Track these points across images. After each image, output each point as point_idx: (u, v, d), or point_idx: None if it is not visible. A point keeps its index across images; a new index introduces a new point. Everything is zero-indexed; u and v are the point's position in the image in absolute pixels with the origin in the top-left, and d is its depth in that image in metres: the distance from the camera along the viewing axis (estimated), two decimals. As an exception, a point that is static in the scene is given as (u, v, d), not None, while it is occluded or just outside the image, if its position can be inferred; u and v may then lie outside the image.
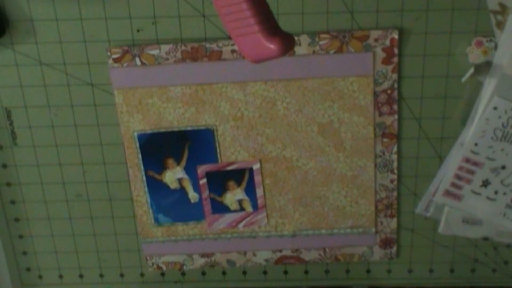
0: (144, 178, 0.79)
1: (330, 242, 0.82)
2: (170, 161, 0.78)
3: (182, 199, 0.80)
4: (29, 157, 0.79)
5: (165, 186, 0.79)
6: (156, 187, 0.79)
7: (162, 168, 0.78)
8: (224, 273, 0.86)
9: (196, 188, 0.79)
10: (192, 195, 0.80)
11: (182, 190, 0.79)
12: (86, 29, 0.72)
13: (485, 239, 0.81)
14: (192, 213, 0.81)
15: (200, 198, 0.80)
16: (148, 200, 0.80)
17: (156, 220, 0.81)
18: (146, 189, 0.79)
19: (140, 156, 0.78)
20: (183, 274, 0.86)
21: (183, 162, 0.78)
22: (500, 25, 0.70)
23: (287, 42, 0.49)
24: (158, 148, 0.77)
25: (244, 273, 0.86)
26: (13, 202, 0.81)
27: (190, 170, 0.78)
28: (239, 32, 0.49)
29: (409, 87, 0.75)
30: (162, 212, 0.81)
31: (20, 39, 0.73)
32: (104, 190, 0.81)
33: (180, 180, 0.79)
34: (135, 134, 0.77)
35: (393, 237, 0.82)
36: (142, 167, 0.78)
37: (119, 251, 0.84)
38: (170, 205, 0.80)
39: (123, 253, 0.84)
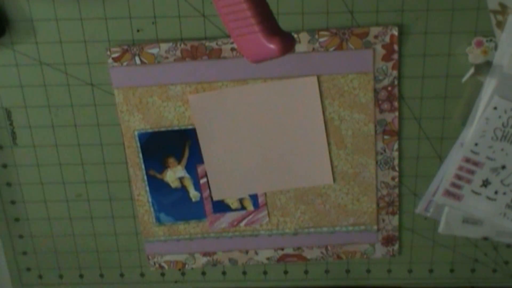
0: (145, 177, 0.79)
1: (332, 240, 0.82)
2: (171, 160, 0.78)
3: (183, 198, 0.80)
4: (29, 157, 0.79)
5: (166, 185, 0.79)
6: (157, 186, 0.79)
7: (163, 167, 0.78)
8: (224, 273, 0.86)
9: (197, 187, 0.79)
10: (193, 194, 0.80)
11: (183, 189, 0.79)
12: (86, 29, 0.72)
13: (485, 239, 0.81)
14: (193, 212, 0.81)
15: (201, 197, 0.80)
16: (149, 199, 0.80)
17: (158, 219, 0.81)
18: (147, 188, 0.79)
19: (140, 155, 0.78)
20: (183, 274, 0.86)
21: (184, 161, 0.78)
22: (500, 25, 0.70)
23: (287, 42, 0.49)
24: (158, 147, 0.77)
25: (244, 273, 0.86)
26: (13, 202, 0.81)
27: (191, 169, 0.78)
28: (239, 32, 0.49)
29: (409, 87, 0.75)
30: (164, 211, 0.81)
31: (20, 39, 0.73)
32: (104, 190, 0.81)
33: (181, 179, 0.79)
34: (136, 133, 0.77)
35: (395, 234, 0.82)
36: (143, 166, 0.78)
37: (119, 251, 0.84)
38: (171, 204, 0.80)
39: (123, 253, 0.84)
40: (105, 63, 0.74)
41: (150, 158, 0.78)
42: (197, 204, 0.80)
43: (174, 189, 0.79)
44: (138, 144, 0.77)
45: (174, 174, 0.78)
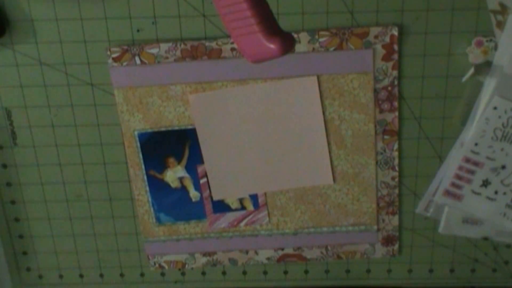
0: (145, 177, 0.79)
1: (331, 240, 0.82)
2: (171, 160, 0.78)
3: (183, 198, 0.80)
4: (29, 157, 0.79)
5: (166, 185, 0.79)
6: (157, 186, 0.79)
7: (163, 167, 0.78)
8: (224, 273, 0.86)
9: (197, 187, 0.79)
10: (193, 194, 0.80)
11: (183, 189, 0.79)
12: (86, 29, 0.72)
13: (485, 239, 0.81)
14: (193, 212, 0.81)
15: (201, 197, 0.80)
16: (149, 199, 0.80)
17: (158, 219, 0.81)
18: (147, 188, 0.79)
19: (140, 155, 0.78)
20: (183, 274, 0.86)
21: (184, 161, 0.78)
22: (500, 25, 0.70)
23: (287, 42, 0.49)
24: (158, 147, 0.77)
25: (244, 273, 0.86)
26: (13, 202, 0.81)
27: (191, 169, 0.78)
28: (240, 32, 0.49)
29: (409, 87, 0.75)
30: (164, 211, 0.81)
31: (20, 39, 0.73)
32: (104, 190, 0.81)
33: (181, 179, 0.79)
34: (136, 133, 0.77)
35: (395, 234, 0.82)
36: (143, 166, 0.78)
37: (119, 251, 0.84)
38: (171, 204, 0.80)
39: (123, 253, 0.84)
40: (105, 63, 0.74)
41: (150, 158, 0.78)
42: (197, 204, 0.80)
43: (174, 189, 0.79)
44: (138, 144, 0.77)
45: (174, 174, 0.78)
